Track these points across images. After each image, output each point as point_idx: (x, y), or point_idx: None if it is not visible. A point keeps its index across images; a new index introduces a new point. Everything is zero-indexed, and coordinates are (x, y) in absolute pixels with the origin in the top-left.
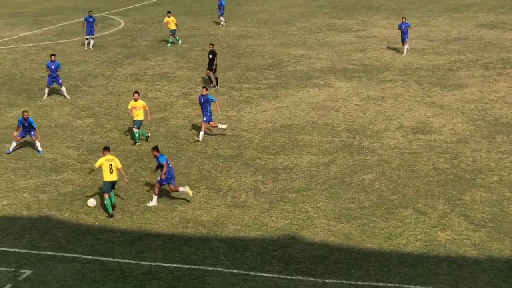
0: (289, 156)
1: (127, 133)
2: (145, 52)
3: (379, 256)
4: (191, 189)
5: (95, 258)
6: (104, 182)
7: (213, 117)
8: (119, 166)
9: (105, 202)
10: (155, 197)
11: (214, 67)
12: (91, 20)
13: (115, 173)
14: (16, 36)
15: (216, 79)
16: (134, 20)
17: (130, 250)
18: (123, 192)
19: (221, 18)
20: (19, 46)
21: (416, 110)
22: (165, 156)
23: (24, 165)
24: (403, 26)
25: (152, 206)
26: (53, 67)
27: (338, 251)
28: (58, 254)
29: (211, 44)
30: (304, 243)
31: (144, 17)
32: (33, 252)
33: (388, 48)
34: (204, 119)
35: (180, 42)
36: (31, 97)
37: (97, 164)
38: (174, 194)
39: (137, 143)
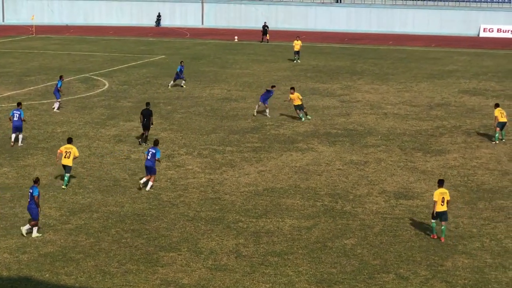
0: (271, 220)
1: (109, 194)
2: (129, 113)
3: None
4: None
5: None
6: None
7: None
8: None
9: None
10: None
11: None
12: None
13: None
14: None
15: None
16: (119, 81)
17: None
18: (104, 254)
19: (183, 81)
20: (3, 105)
21: (399, 175)
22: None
23: (5, 225)
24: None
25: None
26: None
27: None
28: None
29: None
30: None
31: (128, 79)
32: None
33: (372, 113)
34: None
35: (308, 117)
36: (14, 157)
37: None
38: None
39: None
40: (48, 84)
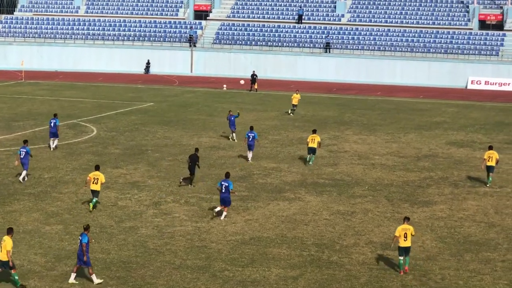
0: (258, 269)
1: (95, 241)
2: (117, 160)
3: None
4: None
5: None
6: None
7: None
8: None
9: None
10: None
11: None
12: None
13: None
14: None
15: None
16: (107, 128)
17: None
18: None
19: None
20: None
21: (386, 226)
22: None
23: None
24: None
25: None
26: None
27: None
28: None
29: None
30: None
31: (117, 125)
32: None
33: (359, 163)
34: None
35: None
36: (0, 202)
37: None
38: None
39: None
40: (36, 129)
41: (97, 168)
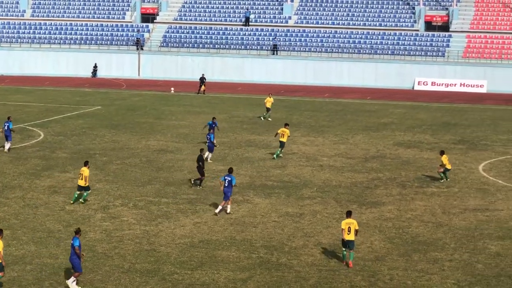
0: (207, 272)
1: (43, 245)
2: (64, 164)
3: None
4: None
5: None
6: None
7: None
8: None
9: None
10: None
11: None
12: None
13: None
14: None
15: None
16: (54, 132)
17: None
18: None
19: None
20: None
21: (334, 227)
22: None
23: None
24: None
25: None
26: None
27: None
28: None
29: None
30: None
31: (64, 129)
32: None
33: (307, 165)
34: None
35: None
36: None
37: None
38: None
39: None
40: None
41: (85, 164)
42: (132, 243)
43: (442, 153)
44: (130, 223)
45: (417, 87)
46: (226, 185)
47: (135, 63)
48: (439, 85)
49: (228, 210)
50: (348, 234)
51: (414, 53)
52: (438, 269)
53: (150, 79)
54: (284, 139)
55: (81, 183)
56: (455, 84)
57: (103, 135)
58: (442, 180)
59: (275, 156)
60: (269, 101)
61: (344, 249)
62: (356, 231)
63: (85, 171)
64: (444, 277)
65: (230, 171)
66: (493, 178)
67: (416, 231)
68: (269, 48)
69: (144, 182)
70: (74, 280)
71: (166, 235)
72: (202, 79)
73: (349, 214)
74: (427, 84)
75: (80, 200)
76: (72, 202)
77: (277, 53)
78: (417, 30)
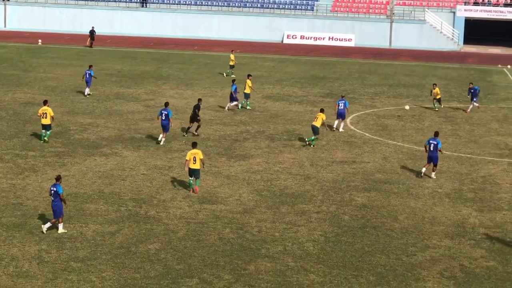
0: (75, 225)
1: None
2: None
3: None
4: None
5: None
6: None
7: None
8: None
9: None
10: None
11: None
12: None
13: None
14: None
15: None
16: None
17: None
18: None
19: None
20: None
21: (203, 180)
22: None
23: None
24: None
25: None
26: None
27: None
28: None
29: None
30: None
31: None
32: None
33: (176, 118)
34: None
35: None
36: None
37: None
38: None
39: None
40: None
41: (45, 103)
42: None
43: (321, 110)
44: None
45: (286, 41)
46: (163, 118)
47: (1, 14)
48: (308, 38)
49: (162, 142)
50: (194, 163)
51: (284, 6)
52: (305, 221)
53: (17, 30)
54: (247, 91)
55: (45, 121)
56: (323, 38)
57: None
58: (307, 143)
59: (239, 106)
60: (231, 59)
61: (190, 178)
62: (202, 161)
63: (48, 109)
64: (312, 229)
65: (166, 104)
66: (360, 131)
67: (284, 183)
68: (138, 0)
69: (10, 135)
70: (52, 225)
71: (33, 188)
72: (92, 33)
73: (194, 145)
74: (296, 37)
75: (45, 138)
76: (46, 141)
77: (146, 5)
78: None
